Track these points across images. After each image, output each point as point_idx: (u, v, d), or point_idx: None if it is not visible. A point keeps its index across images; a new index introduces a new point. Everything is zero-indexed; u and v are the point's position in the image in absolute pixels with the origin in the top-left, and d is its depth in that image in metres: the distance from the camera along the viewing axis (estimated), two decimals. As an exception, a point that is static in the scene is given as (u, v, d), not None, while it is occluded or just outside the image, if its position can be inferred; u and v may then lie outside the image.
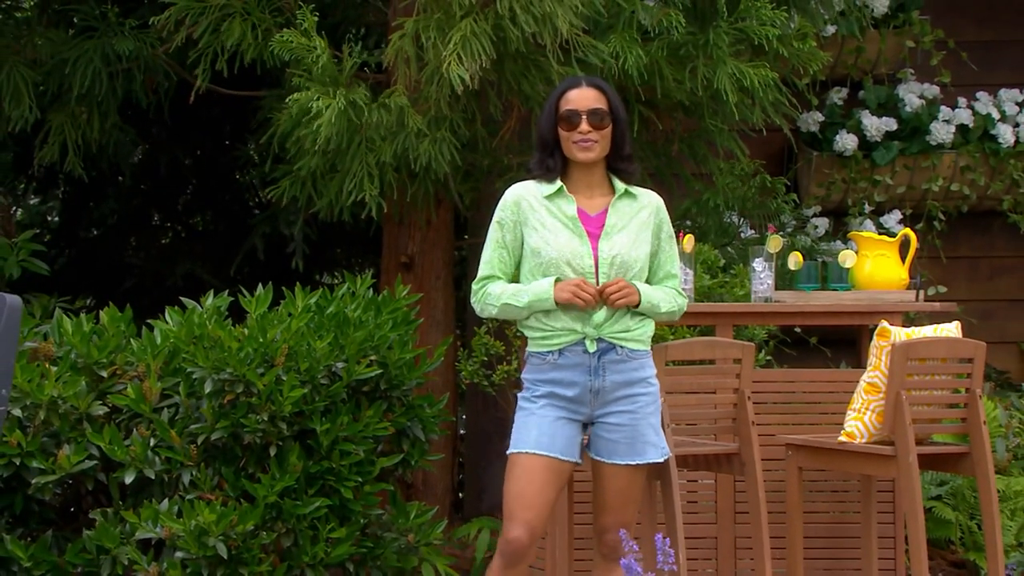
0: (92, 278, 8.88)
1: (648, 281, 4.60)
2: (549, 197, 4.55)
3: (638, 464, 4.52)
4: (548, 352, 4.53)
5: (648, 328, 4.57)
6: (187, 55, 6.45)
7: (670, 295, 4.60)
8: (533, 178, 4.60)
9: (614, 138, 4.55)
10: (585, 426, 4.55)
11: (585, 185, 4.57)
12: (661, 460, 4.57)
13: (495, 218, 4.61)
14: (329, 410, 5.35)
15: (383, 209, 6.13)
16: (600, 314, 4.50)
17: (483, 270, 4.61)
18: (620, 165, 4.58)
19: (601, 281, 4.49)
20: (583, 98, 4.53)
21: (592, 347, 4.50)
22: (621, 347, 4.51)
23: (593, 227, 4.53)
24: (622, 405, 4.51)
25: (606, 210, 4.55)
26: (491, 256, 4.60)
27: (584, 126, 4.50)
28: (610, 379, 4.50)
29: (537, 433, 4.49)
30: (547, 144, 4.57)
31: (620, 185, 4.57)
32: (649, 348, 4.58)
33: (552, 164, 4.56)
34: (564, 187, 4.56)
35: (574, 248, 4.50)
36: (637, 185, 4.64)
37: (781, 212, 7.55)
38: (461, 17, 5.71)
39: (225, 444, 5.31)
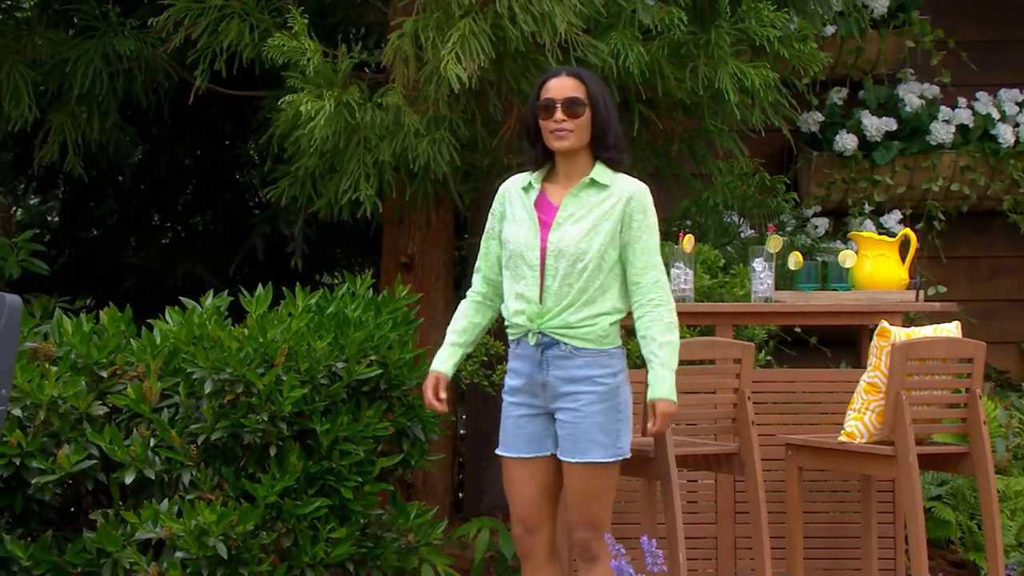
0: (92, 278, 8.87)
1: (625, 272, 4.54)
2: (524, 188, 4.61)
3: (582, 462, 4.49)
4: (511, 341, 4.63)
5: (598, 327, 4.50)
6: (187, 55, 6.45)
7: (664, 330, 4.50)
8: (528, 170, 4.67)
9: (594, 127, 4.54)
10: (551, 415, 4.59)
11: (565, 175, 4.59)
12: (607, 461, 4.50)
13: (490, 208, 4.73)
14: (329, 410, 5.35)
15: (379, 208, 6.14)
16: (534, 308, 4.52)
17: (477, 261, 4.74)
18: (605, 154, 4.56)
19: (548, 273, 4.51)
20: (560, 87, 4.55)
21: (532, 340, 4.53)
22: (564, 344, 4.51)
23: (549, 217, 4.55)
24: (566, 402, 4.52)
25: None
26: (483, 246, 4.72)
27: (559, 115, 4.51)
28: (553, 374, 4.52)
29: (504, 434, 4.63)
30: (530, 134, 4.61)
31: (593, 173, 4.55)
32: (603, 347, 4.51)
33: (534, 155, 4.61)
34: (534, 178, 4.60)
35: (528, 240, 4.55)
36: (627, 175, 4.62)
37: (781, 211, 7.54)
38: (460, 17, 5.71)
39: (225, 444, 5.31)
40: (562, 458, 4.53)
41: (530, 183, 4.59)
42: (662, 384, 4.50)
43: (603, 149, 4.56)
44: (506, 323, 4.62)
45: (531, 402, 4.57)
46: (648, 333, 4.51)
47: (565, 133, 4.51)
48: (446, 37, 5.69)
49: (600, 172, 4.55)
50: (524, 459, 4.58)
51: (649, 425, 4.54)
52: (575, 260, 4.48)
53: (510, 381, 4.62)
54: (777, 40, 6.24)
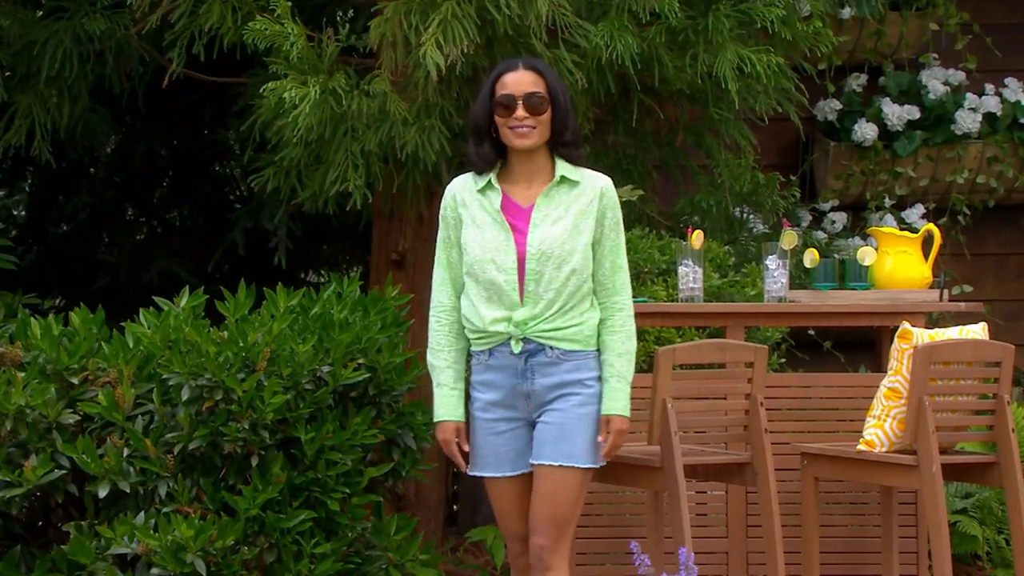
0: (62, 276, 8.87)
1: (594, 274, 4.57)
2: (480, 190, 4.62)
3: (567, 466, 4.51)
4: (481, 351, 4.62)
5: (585, 328, 4.54)
6: (163, 37, 6.44)
7: (624, 338, 4.55)
8: (472, 170, 4.64)
9: (553, 123, 4.55)
10: (533, 425, 4.60)
11: (525, 175, 4.61)
12: (591, 467, 4.54)
13: (440, 214, 4.69)
14: (314, 417, 5.35)
15: (368, 201, 6.14)
16: (523, 311, 4.52)
17: (436, 273, 4.73)
18: (564, 150, 4.58)
19: (528, 277, 4.52)
20: (518, 82, 4.55)
21: (517, 348, 4.54)
22: (552, 348, 4.52)
23: (522, 220, 4.56)
24: (552, 406, 4.55)
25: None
26: (441, 255, 4.71)
27: (520, 112, 4.52)
28: (539, 383, 4.55)
29: (482, 453, 4.64)
30: (481, 132, 4.61)
31: (559, 171, 4.57)
32: (589, 348, 4.55)
33: (486, 153, 4.60)
34: (492, 179, 4.60)
35: (498, 244, 4.55)
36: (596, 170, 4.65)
37: (777, 208, 7.50)
38: (444, 0, 5.71)
39: (204, 454, 5.31)
40: (542, 461, 4.53)
41: (489, 183, 4.60)
42: (617, 399, 4.54)
43: (561, 145, 4.57)
44: (473, 331, 4.62)
45: (511, 415, 4.60)
46: (608, 340, 4.56)
47: (528, 131, 4.53)
48: (428, 22, 5.70)
49: (566, 169, 4.58)
50: (511, 477, 4.61)
51: (600, 440, 4.53)
52: (561, 262, 4.51)
53: (484, 395, 4.62)
54: (780, 20, 6.21)
